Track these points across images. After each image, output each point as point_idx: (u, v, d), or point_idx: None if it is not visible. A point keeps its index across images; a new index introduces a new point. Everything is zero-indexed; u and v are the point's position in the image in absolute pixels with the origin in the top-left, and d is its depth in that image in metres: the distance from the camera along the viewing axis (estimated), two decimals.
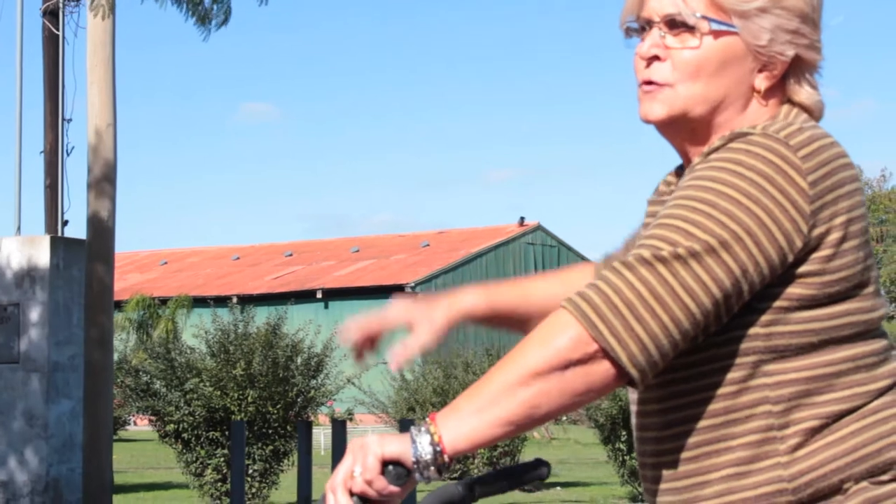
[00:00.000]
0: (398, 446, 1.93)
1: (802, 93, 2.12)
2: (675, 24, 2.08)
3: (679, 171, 2.25)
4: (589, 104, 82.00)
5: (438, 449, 1.91)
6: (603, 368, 1.92)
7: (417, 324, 2.29)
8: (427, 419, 1.95)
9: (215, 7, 8.68)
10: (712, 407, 2.01)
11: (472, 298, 2.33)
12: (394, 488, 1.92)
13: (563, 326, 1.92)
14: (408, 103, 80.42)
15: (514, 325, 2.40)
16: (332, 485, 1.92)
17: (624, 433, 20.39)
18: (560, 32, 79.23)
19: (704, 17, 2.06)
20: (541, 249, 48.35)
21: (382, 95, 78.27)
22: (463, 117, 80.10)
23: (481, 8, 79.07)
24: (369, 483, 1.91)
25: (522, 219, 49.19)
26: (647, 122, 2.14)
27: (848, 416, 2.00)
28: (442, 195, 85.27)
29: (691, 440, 2.02)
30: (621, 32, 2.18)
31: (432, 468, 1.92)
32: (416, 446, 1.92)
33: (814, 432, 1.99)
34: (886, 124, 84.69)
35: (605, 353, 1.91)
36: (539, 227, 49.00)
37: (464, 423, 1.92)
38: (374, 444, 1.93)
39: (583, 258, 49.38)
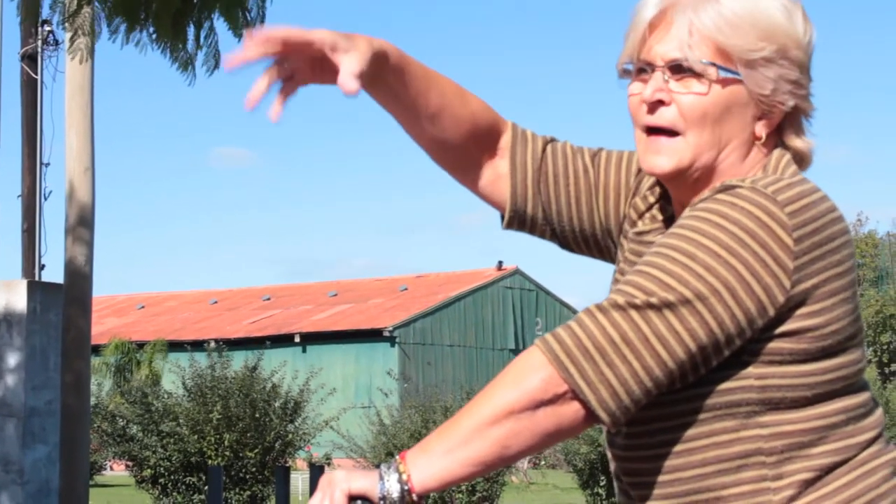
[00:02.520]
0: (365, 482, 1.94)
1: (798, 140, 2.14)
2: (679, 69, 2.07)
3: (662, 205, 2.25)
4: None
5: (406, 488, 1.92)
6: (573, 410, 1.93)
7: (342, 49, 2.04)
8: (397, 457, 1.95)
9: (200, 53, 8.68)
10: (704, 456, 1.99)
11: (380, 41, 2.13)
12: None
13: (535, 367, 1.92)
14: (381, 147, 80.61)
15: (411, 90, 2.21)
16: None
17: (603, 478, 20.35)
18: (525, 73, 79.68)
19: (712, 64, 2.05)
20: (519, 293, 48.32)
21: (355, 139, 78.42)
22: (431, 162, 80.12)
23: (450, 54, 79.41)
24: None
25: (500, 263, 49.17)
26: (653, 175, 2.13)
27: (839, 469, 2.01)
28: (418, 239, 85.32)
29: (681, 488, 2.01)
30: (616, 73, 2.16)
31: None
32: (383, 483, 1.92)
33: (807, 484, 1.99)
34: (862, 168, 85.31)
35: (575, 394, 1.91)
36: (517, 272, 49.00)
37: (434, 463, 1.92)
38: (341, 480, 1.94)
39: (562, 302, 49.40)
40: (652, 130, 2.10)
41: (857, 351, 2.04)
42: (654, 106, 2.08)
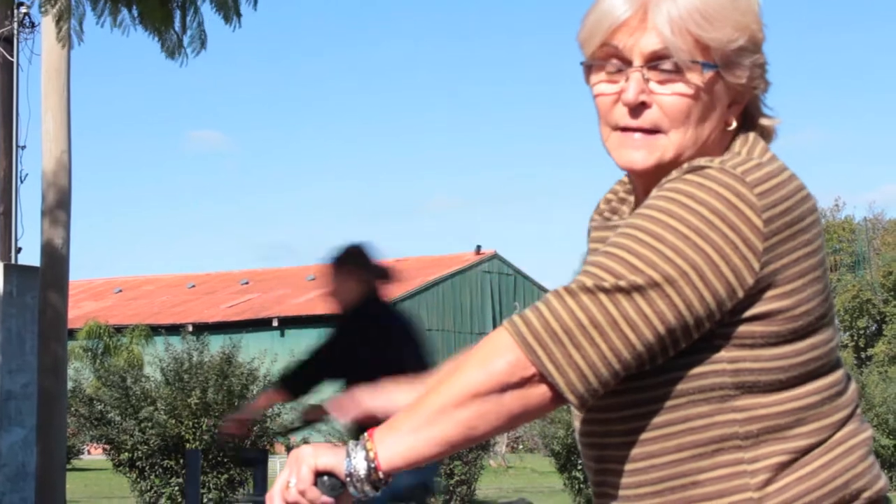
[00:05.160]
0: (332, 458, 1.94)
1: (764, 119, 2.12)
2: (659, 67, 2.02)
3: (625, 194, 2.24)
4: (544, 131, 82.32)
5: (373, 465, 1.92)
6: (540, 392, 1.92)
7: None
8: (365, 435, 1.95)
9: (185, 36, 8.65)
10: (679, 441, 1.98)
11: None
12: (327, 499, 1.94)
13: (503, 349, 1.92)
14: (355, 131, 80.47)
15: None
16: (270, 495, 1.95)
17: (580, 462, 20.38)
18: (501, 60, 79.60)
19: (696, 62, 2.01)
20: (497, 278, 48.34)
21: (332, 123, 78.30)
22: (407, 146, 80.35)
23: (425, 40, 79.33)
24: (302, 493, 1.94)
25: (479, 247, 49.17)
26: (632, 170, 2.09)
27: (816, 450, 2.00)
28: (396, 224, 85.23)
29: (656, 475, 2.00)
30: (582, 68, 2.10)
31: (366, 483, 1.93)
32: (349, 460, 1.93)
33: (783, 467, 1.98)
34: (839, 153, 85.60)
35: (543, 377, 1.91)
36: (496, 256, 48.98)
37: (401, 442, 1.93)
38: (308, 456, 1.95)
39: (539, 286, 49.45)
40: (634, 130, 2.05)
41: (827, 330, 2.03)
42: (638, 108, 2.04)
